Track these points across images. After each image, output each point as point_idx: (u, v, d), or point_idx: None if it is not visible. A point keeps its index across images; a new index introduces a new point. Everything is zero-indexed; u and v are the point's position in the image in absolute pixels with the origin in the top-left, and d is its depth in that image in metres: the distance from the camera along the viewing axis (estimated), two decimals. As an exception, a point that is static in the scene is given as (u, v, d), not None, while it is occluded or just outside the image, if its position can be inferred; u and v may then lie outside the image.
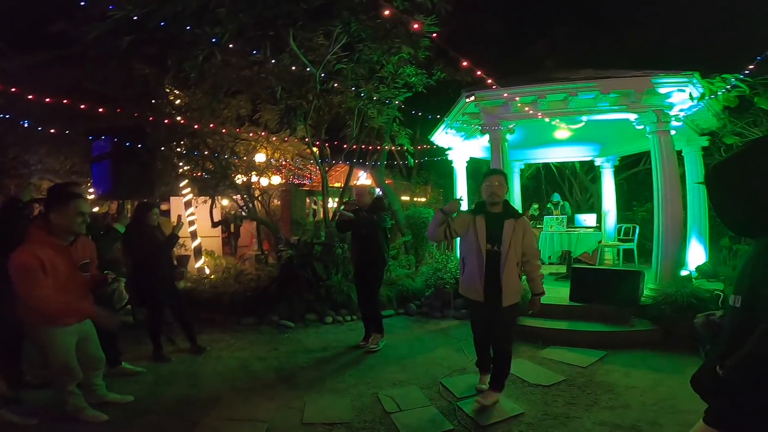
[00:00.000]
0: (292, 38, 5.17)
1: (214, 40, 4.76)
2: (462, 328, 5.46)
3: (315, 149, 7.04)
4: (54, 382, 2.96)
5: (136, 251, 4.21)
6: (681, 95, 5.44)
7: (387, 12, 4.63)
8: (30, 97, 4.78)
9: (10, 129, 6.21)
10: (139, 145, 4.85)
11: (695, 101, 5.55)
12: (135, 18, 4.45)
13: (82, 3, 4.51)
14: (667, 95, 5.42)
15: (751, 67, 4.95)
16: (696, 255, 6.66)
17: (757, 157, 1.36)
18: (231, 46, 5.06)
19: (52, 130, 5.61)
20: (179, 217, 5.21)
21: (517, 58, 9.91)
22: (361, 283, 4.81)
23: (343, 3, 5.28)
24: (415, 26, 4.58)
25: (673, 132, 5.70)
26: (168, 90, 6.33)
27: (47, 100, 4.84)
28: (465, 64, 4.60)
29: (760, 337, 1.21)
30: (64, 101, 5.00)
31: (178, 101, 6.42)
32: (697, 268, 6.32)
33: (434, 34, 4.79)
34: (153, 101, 6.13)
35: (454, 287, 6.23)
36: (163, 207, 8.36)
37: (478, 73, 4.87)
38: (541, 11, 11.53)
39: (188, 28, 4.69)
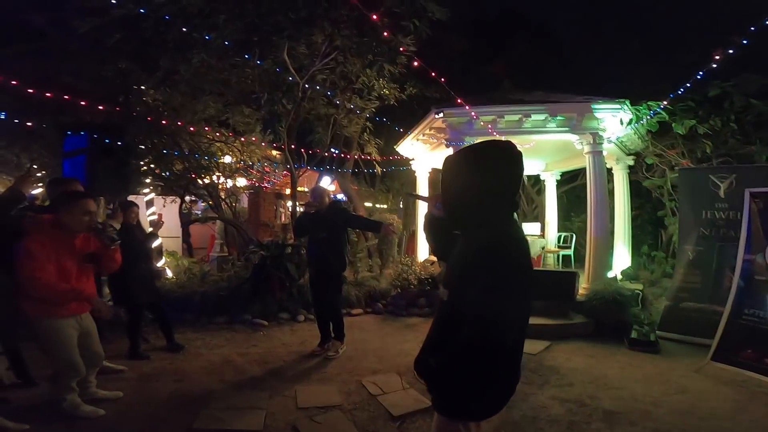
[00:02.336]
0: (285, 52, 5.42)
1: (207, 37, 4.88)
2: (426, 324, 5.96)
3: (288, 154, 7.26)
4: (58, 377, 3.01)
5: (130, 248, 4.24)
6: (614, 120, 6.36)
7: (374, 17, 4.84)
8: None
9: None
10: (119, 143, 4.85)
11: (624, 125, 6.52)
12: (130, 16, 4.49)
13: None
14: (602, 120, 6.32)
15: (668, 98, 5.92)
16: (621, 260, 7.72)
17: (468, 159, 1.43)
18: (230, 50, 5.20)
19: (16, 121, 5.36)
20: (160, 215, 5.24)
21: (476, 76, 10.76)
22: (320, 287, 4.63)
23: (325, 15, 5.64)
24: (401, 48, 5.02)
25: (605, 152, 6.63)
26: (144, 88, 6.26)
27: (11, 83, 4.64)
28: (442, 80, 5.07)
29: (461, 345, 1.26)
30: (33, 91, 4.83)
31: (152, 100, 6.36)
32: (622, 272, 7.36)
33: (415, 63, 5.25)
34: (129, 97, 6.05)
35: (417, 287, 6.78)
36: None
37: (452, 93, 5.39)
38: (497, 33, 12.57)
39: (184, 29, 4.79)
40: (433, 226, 1.72)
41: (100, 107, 5.19)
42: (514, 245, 1.35)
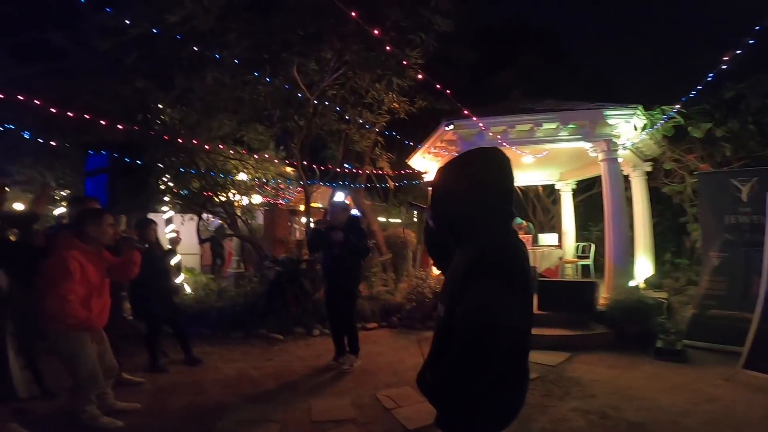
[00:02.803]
0: (295, 69, 5.59)
1: (217, 56, 5.06)
2: (443, 337, 5.89)
3: (301, 170, 7.39)
4: (79, 390, 3.08)
5: (150, 266, 4.35)
6: (627, 126, 6.27)
7: (377, 32, 4.92)
8: (21, 98, 4.81)
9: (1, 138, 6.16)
10: (138, 162, 5.03)
11: (638, 131, 6.43)
12: (146, 35, 4.70)
13: (108, 9, 4.72)
14: (616, 126, 6.24)
15: (681, 102, 5.82)
16: (644, 268, 7.50)
17: (453, 169, 1.40)
18: (242, 68, 5.38)
19: (39, 140, 5.64)
20: (177, 233, 5.37)
21: (486, 86, 10.82)
22: (335, 302, 4.63)
23: (334, 31, 5.78)
24: (405, 62, 5.11)
25: (620, 159, 6.53)
26: (161, 107, 6.51)
27: (46, 107, 4.88)
28: (448, 92, 5.13)
29: (454, 357, 1.24)
30: (55, 111, 5.06)
31: (169, 119, 6.59)
32: (645, 280, 7.13)
33: (420, 76, 5.33)
34: (147, 116, 6.29)
35: (432, 301, 6.70)
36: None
37: (458, 105, 5.44)
38: (505, 42, 12.67)
39: (196, 48, 5.00)
40: (427, 237, 1.69)
41: (120, 126, 5.41)
42: (507, 252, 1.31)
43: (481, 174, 1.35)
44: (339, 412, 3.54)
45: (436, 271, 8.23)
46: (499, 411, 1.37)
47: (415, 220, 11.79)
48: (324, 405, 3.68)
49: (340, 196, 10.10)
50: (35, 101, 4.98)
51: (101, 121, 5.04)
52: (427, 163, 8.22)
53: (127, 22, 4.68)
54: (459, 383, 1.27)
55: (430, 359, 1.43)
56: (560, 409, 3.53)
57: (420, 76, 5.30)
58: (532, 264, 7.89)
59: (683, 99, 5.71)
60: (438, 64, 5.62)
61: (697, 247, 6.93)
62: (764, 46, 4.50)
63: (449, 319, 1.33)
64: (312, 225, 5.80)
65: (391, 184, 9.75)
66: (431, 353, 1.44)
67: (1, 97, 5.14)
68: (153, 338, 4.55)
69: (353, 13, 4.30)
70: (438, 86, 5.05)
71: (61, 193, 7.89)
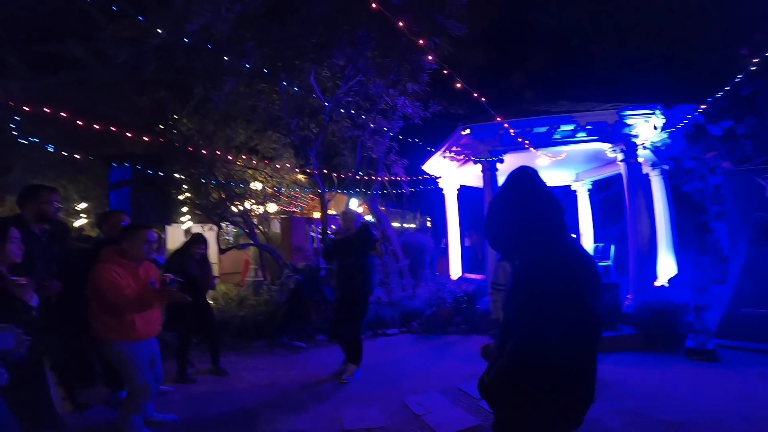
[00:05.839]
0: (312, 76, 5.64)
1: (247, 65, 5.08)
2: (464, 341, 5.88)
3: (317, 178, 7.44)
4: (130, 400, 3.12)
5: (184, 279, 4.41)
6: (646, 125, 6.23)
7: (400, 25, 4.84)
8: (46, 110, 4.90)
9: (25, 152, 6.29)
10: (160, 173, 5.11)
11: (658, 130, 6.37)
12: (163, 45, 4.77)
13: (140, 18, 4.81)
14: (634, 126, 6.20)
15: (707, 102, 5.76)
16: (666, 268, 7.37)
17: (503, 193, 1.52)
18: (257, 76, 5.44)
19: (64, 153, 5.76)
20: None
21: (497, 89, 10.78)
22: (344, 310, 4.59)
23: (346, 37, 5.82)
24: (429, 57, 5.04)
25: (640, 159, 6.47)
26: (177, 117, 6.60)
27: (65, 118, 4.97)
28: (475, 94, 5.06)
29: (507, 354, 1.31)
30: (81, 123, 5.15)
31: (187, 129, 6.69)
32: (669, 280, 7.01)
33: (445, 71, 5.28)
34: (166, 127, 6.38)
35: (453, 305, 6.69)
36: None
37: (481, 98, 5.30)
38: (514, 45, 12.60)
39: (214, 57, 5.05)
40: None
41: (144, 138, 5.50)
42: (556, 264, 1.34)
43: (512, 195, 1.48)
44: (370, 419, 3.53)
45: (454, 276, 8.21)
46: (550, 420, 1.37)
47: (429, 225, 11.80)
48: (354, 413, 3.67)
49: (354, 204, 10.16)
50: (61, 113, 5.08)
51: (127, 134, 5.13)
52: (442, 167, 8.22)
53: (146, 29, 4.72)
54: (509, 388, 1.32)
55: (491, 363, 1.45)
56: (593, 411, 3.46)
57: (445, 71, 5.17)
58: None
59: (709, 100, 5.63)
60: (448, 67, 5.59)
61: (720, 246, 6.80)
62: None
63: (506, 327, 1.42)
64: (331, 234, 5.81)
65: (406, 189, 9.76)
66: (493, 359, 1.47)
67: (27, 109, 5.28)
68: (184, 349, 4.59)
69: (371, 4, 4.25)
70: (458, 85, 4.99)
71: (83, 205, 8.02)
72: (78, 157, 6.16)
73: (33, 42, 5.98)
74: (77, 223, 8.41)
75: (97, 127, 5.00)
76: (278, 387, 4.39)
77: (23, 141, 6.01)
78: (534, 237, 1.39)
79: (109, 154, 5.71)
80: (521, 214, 1.41)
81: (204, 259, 4.75)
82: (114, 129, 5.10)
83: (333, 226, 7.17)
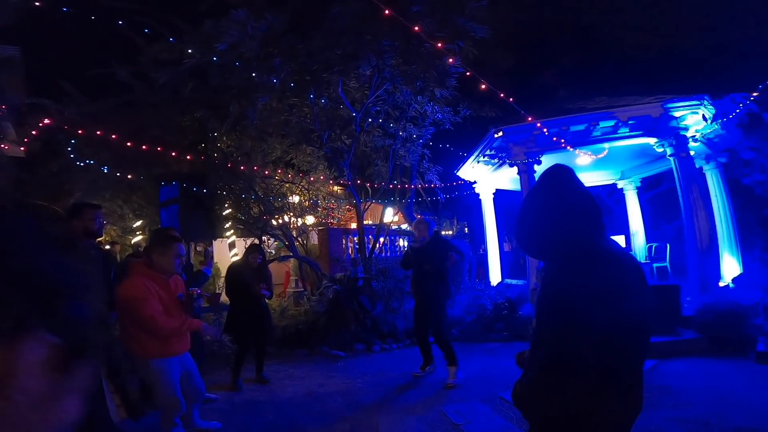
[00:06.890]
0: (341, 87, 5.76)
1: (275, 80, 5.25)
2: (506, 348, 5.67)
3: (352, 189, 7.55)
4: (164, 416, 3.22)
5: (239, 287, 4.61)
6: (694, 117, 5.82)
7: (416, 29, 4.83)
8: (99, 133, 5.27)
9: (83, 174, 6.84)
10: (204, 190, 5.39)
11: (708, 122, 5.93)
12: (198, 65, 5.04)
13: (171, 39, 5.14)
14: (682, 118, 5.81)
15: (758, 90, 5.32)
16: (729, 266, 6.78)
17: (533, 192, 1.46)
18: (287, 91, 5.61)
19: (118, 174, 6.21)
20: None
21: (528, 89, 10.47)
22: (423, 314, 4.70)
23: (370, 47, 5.88)
24: (450, 61, 5.00)
25: (692, 152, 6.03)
26: (216, 135, 6.94)
27: (122, 141, 5.34)
28: (501, 95, 4.96)
29: (538, 363, 1.26)
30: (131, 144, 5.54)
31: (226, 147, 7.02)
32: (734, 279, 6.43)
33: (467, 73, 5.22)
34: (207, 145, 6.70)
35: (493, 312, 6.50)
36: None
37: (509, 99, 5.19)
38: (544, 42, 12.24)
39: (244, 75, 5.28)
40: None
41: (187, 157, 5.81)
42: (589, 267, 1.27)
43: (543, 195, 1.41)
44: (408, 429, 3.47)
45: (494, 282, 7.99)
46: (590, 427, 1.28)
47: (467, 231, 11.59)
48: (392, 422, 3.63)
49: (389, 213, 10.18)
50: (111, 136, 5.50)
51: (172, 153, 5.45)
52: (476, 172, 8.09)
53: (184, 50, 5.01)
54: (539, 399, 1.27)
55: (525, 371, 1.39)
56: (652, 419, 3.23)
57: (468, 73, 5.10)
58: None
59: (760, 87, 5.19)
60: (474, 71, 5.50)
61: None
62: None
63: (537, 334, 1.37)
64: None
65: (442, 196, 9.67)
66: (527, 365, 1.41)
67: (80, 132, 5.74)
68: (241, 356, 4.74)
69: (385, 10, 4.29)
70: (483, 86, 4.92)
71: (138, 223, 8.59)
72: (131, 177, 6.63)
73: (83, 67, 6.51)
74: (134, 240, 9.02)
75: (144, 147, 5.36)
76: (318, 395, 4.43)
77: (80, 163, 6.54)
78: (565, 239, 1.33)
79: (159, 173, 6.08)
80: (552, 215, 1.34)
81: (261, 267, 4.89)
82: (160, 149, 5.44)
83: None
